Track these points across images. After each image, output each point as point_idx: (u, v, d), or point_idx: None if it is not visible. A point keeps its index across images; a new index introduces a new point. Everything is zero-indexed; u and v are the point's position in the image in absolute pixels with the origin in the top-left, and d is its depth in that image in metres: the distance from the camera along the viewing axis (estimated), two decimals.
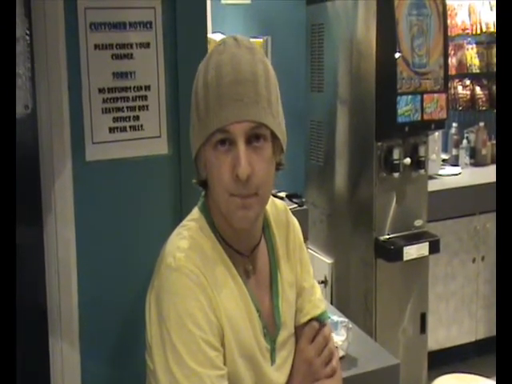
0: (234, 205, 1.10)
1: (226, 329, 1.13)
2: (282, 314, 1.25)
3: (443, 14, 2.99)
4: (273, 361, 1.23)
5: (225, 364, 1.13)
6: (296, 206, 3.06)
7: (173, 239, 1.18)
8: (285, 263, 1.29)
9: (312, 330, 1.30)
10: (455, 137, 4.07)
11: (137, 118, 1.76)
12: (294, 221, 1.36)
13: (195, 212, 1.23)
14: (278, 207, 1.33)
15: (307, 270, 1.35)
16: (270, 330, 1.23)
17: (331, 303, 3.08)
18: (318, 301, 1.34)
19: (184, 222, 1.22)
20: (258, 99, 1.08)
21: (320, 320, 1.32)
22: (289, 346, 1.28)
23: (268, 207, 1.26)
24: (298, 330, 1.30)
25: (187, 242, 1.15)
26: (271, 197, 1.24)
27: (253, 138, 1.09)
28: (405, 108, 2.87)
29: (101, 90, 1.71)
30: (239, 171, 1.06)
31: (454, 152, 4.05)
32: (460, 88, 4.17)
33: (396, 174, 2.93)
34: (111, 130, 1.73)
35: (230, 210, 1.12)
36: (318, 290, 1.37)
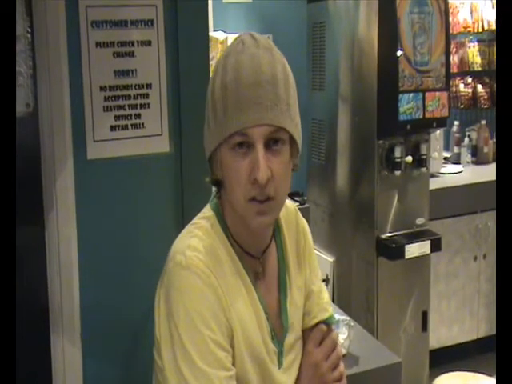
0: (252, 210, 1.10)
1: (236, 330, 1.12)
2: (289, 317, 1.24)
3: (445, 11, 2.98)
4: (280, 364, 1.22)
5: (233, 365, 1.12)
6: (298, 204, 3.05)
7: (183, 237, 1.17)
8: (294, 266, 1.28)
9: (320, 333, 1.28)
10: (457, 135, 4.06)
11: (138, 116, 1.75)
12: (304, 223, 1.35)
13: (207, 210, 1.22)
14: (288, 208, 1.32)
15: (316, 274, 1.34)
16: (278, 332, 1.22)
17: (333, 301, 3.07)
18: (326, 304, 1.33)
19: (195, 220, 1.21)
20: (278, 102, 1.07)
21: (327, 323, 1.30)
22: (296, 349, 1.27)
23: None
24: (306, 333, 1.29)
25: (198, 241, 1.14)
26: None
27: (271, 141, 1.08)
28: (406, 106, 2.86)
29: (102, 88, 1.71)
30: (258, 175, 1.05)
31: (456, 150, 4.04)
32: (462, 86, 4.15)
33: (397, 173, 2.92)
34: (112, 128, 1.73)
35: (247, 216, 1.11)
36: (326, 294, 1.36)
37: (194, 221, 1.21)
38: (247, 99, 1.06)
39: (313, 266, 1.33)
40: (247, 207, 1.09)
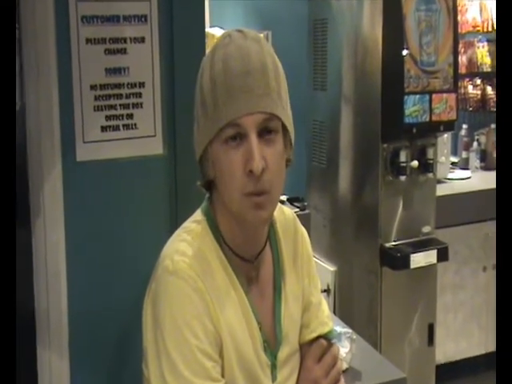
0: (247, 205, 1.10)
1: (226, 339, 1.12)
2: (283, 328, 1.23)
3: (453, 9, 2.99)
4: (274, 378, 1.21)
5: (223, 376, 1.12)
6: (298, 210, 3.06)
7: (173, 241, 1.18)
8: (290, 274, 1.28)
9: (320, 348, 1.27)
10: (465, 139, 4.07)
11: (130, 116, 1.76)
12: (303, 231, 1.35)
13: (198, 214, 1.22)
14: (286, 215, 1.32)
15: (315, 285, 1.34)
16: (271, 344, 1.21)
17: (334, 313, 3.07)
18: (327, 318, 1.33)
19: (186, 224, 1.22)
20: (269, 91, 1.09)
21: (327, 338, 1.30)
22: (292, 363, 1.26)
23: (276, 214, 1.25)
24: (304, 347, 1.28)
25: (187, 245, 1.14)
26: (279, 204, 1.24)
27: (264, 130, 1.09)
28: (412, 108, 2.87)
29: (93, 87, 1.71)
30: (253, 166, 1.06)
31: (464, 155, 4.05)
32: (470, 88, 4.17)
33: (403, 178, 2.93)
34: (103, 128, 1.74)
35: (243, 210, 1.11)
36: (326, 307, 1.36)
37: (183, 225, 1.22)
38: (237, 89, 1.07)
39: (312, 276, 1.33)
40: (243, 201, 1.10)
